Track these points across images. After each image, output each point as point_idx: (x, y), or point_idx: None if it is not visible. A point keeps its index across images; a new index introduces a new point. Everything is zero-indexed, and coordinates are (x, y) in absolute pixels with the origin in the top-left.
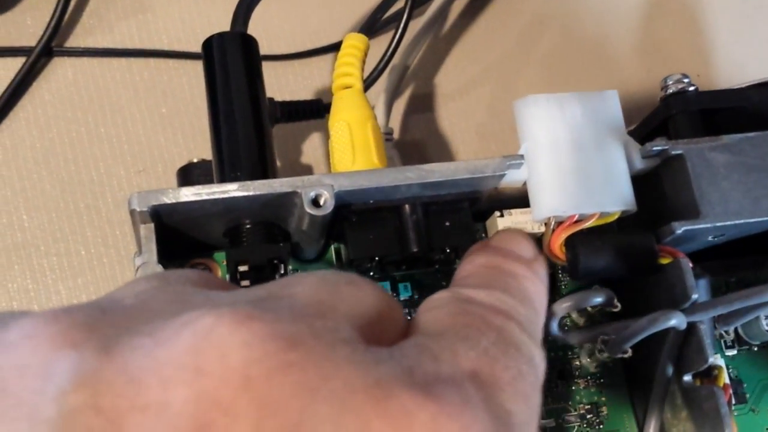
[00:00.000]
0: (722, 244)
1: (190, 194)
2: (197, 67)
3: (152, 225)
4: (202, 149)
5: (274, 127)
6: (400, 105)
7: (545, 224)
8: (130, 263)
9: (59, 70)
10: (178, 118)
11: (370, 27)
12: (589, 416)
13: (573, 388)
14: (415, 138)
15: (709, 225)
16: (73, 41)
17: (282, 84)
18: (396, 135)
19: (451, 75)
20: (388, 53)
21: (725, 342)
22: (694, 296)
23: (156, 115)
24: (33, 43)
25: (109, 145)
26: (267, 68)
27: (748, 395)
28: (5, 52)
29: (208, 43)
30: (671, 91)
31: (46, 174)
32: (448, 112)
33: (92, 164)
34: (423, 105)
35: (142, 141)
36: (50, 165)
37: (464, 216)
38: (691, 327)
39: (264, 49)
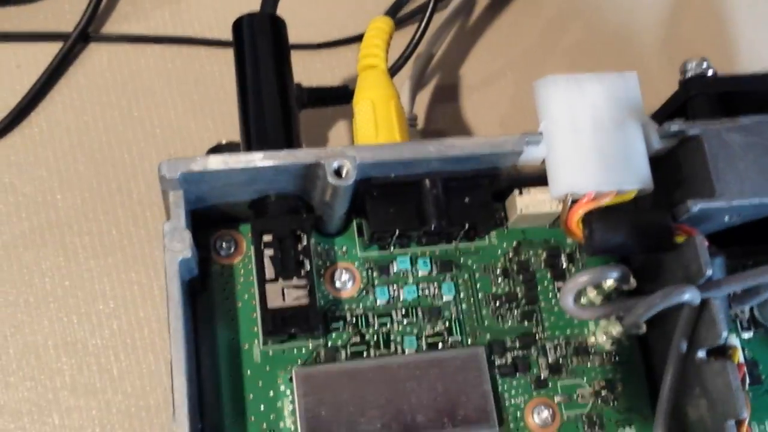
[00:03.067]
0: (739, 230)
1: (217, 162)
2: (228, 55)
3: (181, 192)
4: (232, 134)
5: (301, 112)
6: (424, 95)
7: (563, 201)
8: (160, 243)
9: (95, 56)
10: (209, 104)
11: (396, 11)
12: (603, 393)
13: (588, 365)
14: (439, 128)
15: (724, 204)
16: (109, 28)
17: (310, 73)
18: (420, 125)
19: (475, 66)
20: (414, 41)
21: (741, 324)
22: (709, 272)
23: (187, 101)
24: (70, 29)
25: (142, 128)
26: (295, 57)
27: (763, 377)
28: (43, 38)
29: (238, 23)
30: (690, 74)
31: (80, 155)
32: (472, 103)
33: (125, 147)
34: (447, 96)
35: (174, 126)
36: (84, 147)
37: (483, 193)
38: (706, 303)
39: (292, 39)
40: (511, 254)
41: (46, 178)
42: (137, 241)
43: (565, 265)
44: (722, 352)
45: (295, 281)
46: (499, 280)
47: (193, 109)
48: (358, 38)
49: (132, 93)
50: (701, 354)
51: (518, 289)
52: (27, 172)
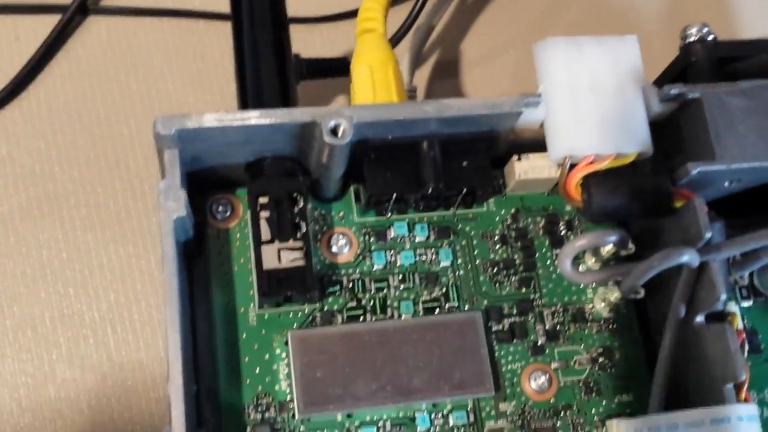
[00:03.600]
0: (740, 201)
1: (212, 120)
2: (227, 28)
3: (176, 150)
4: (231, 108)
5: (299, 83)
6: (425, 70)
7: (561, 165)
8: (157, 217)
9: (93, 28)
10: (207, 77)
11: None
12: (600, 359)
13: (585, 332)
14: None
15: (724, 167)
16: (108, 0)
17: (309, 46)
18: (420, 98)
19: (476, 42)
20: (414, 13)
21: (740, 292)
22: (707, 235)
23: (186, 74)
24: (69, 1)
25: (140, 101)
26: (294, 31)
27: (762, 346)
28: (42, 10)
29: None
30: (691, 39)
31: (78, 128)
32: (472, 78)
33: (123, 120)
34: (447, 70)
35: (172, 99)
36: (82, 119)
37: (482, 158)
38: (704, 266)
39: (291, 12)
40: (509, 221)
41: (44, 150)
42: (135, 215)
43: (563, 232)
44: (721, 318)
45: (291, 243)
46: (497, 246)
47: (191, 82)
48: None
49: (131, 66)
50: (700, 318)
51: (516, 255)
52: (25, 144)
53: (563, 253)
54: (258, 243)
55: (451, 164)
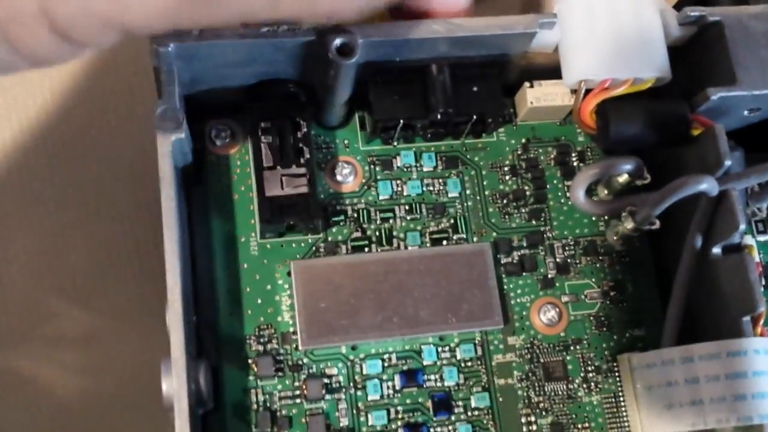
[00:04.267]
0: (759, 133)
1: (211, 35)
2: None
3: (174, 69)
4: None
5: None
6: None
7: (576, 90)
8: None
9: None
10: None
11: None
12: (612, 293)
13: (597, 265)
14: None
15: (745, 93)
16: None
17: None
18: None
19: None
20: None
21: (757, 226)
22: (727, 163)
23: None
24: None
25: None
26: None
27: None
28: None
29: None
30: None
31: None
32: (485, 7)
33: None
34: None
35: None
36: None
37: (492, 83)
38: (723, 195)
39: None
40: (519, 151)
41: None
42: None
43: (575, 164)
44: (738, 249)
45: (294, 169)
46: (507, 177)
47: None
48: None
49: None
50: (717, 250)
51: (526, 187)
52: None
53: (576, 182)
54: (260, 169)
55: (461, 89)
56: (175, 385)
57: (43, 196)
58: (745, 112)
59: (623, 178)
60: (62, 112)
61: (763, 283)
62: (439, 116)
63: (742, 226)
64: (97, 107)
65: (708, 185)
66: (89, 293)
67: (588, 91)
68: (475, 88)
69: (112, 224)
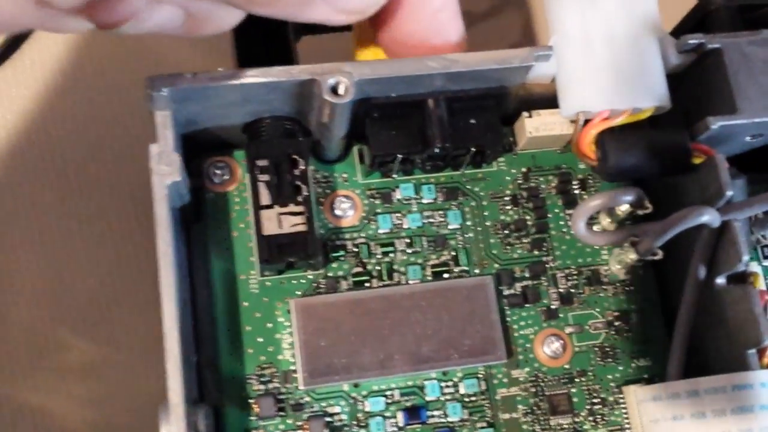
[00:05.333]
0: (763, 155)
1: (205, 79)
2: None
3: (168, 112)
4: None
5: (299, 40)
6: None
7: (574, 121)
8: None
9: None
10: None
11: None
12: (617, 323)
13: (601, 295)
14: None
15: (746, 121)
16: None
17: None
18: None
19: None
20: None
21: (763, 252)
22: (729, 193)
23: None
24: None
25: (135, 59)
26: None
27: None
28: None
29: None
30: None
31: (71, 88)
32: (480, 33)
33: (119, 79)
34: None
35: (169, 57)
36: (77, 79)
37: (490, 115)
38: (725, 226)
39: None
40: (520, 180)
41: (37, 112)
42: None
43: (577, 192)
44: (742, 279)
45: (291, 207)
46: (508, 207)
47: (187, 40)
48: None
49: None
50: (720, 280)
51: (528, 216)
52: (19, 107)
53: (577, 214)
54: (257, 208)
55: (459, 122)
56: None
57: (49, 227)
58: (748, 138)
59: (625, 208)
60: (67, 143)
61: None
62: (437, 150)
63: (746, 257)
64: (101, 136)
65: (709, 217)
66: (95, 324)
67: (587, 122)
68: (472, 121)
69: (117, 255)
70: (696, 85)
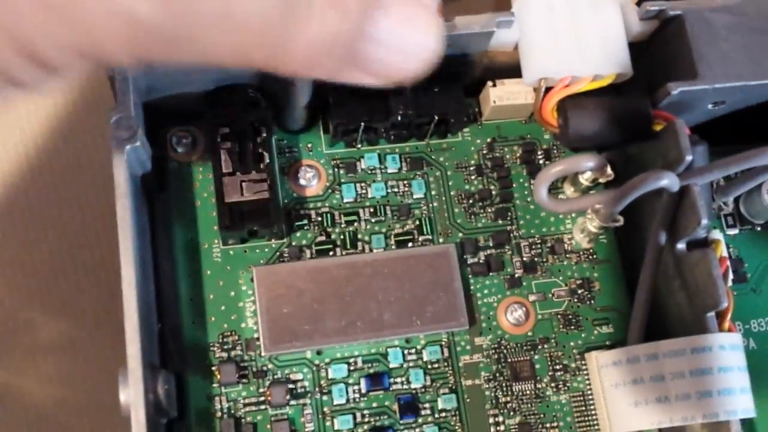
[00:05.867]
0: (726, 126)
1: None
2: None
3: (129, 78)
4: None
5: None
6: None
7: (536, 89)
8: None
9: None
10: None
11: None
12: (580, 291)
13: (564, 263)
14: None
15: (707, 86)
16: None
17: None
18: None
19: None
20: None
21: (726, 220)
22: (688, 158)
23: None
24: None
25: None
26: None
27: (749, 275)
28: None
29: None
30: None
31: None
32: (450, 10)
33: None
34: None
35: None
36: None
37: (454, 83)
38: (685, 191)
39: None
40: (485, 150)
41: None
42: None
43: (541, 162)
44: (704, 244)
45: (254, 175)
46: (473, 177)
47: None
48: None
49: None
50: (681, 245)
51: (492, 186)
52: None
53: (539, 181)
54: (219, 175)
55: (421, 90)
56: (132, 395)
57: (14, 206)
58: (710, 106)
59: (588, 176)
60: (26, 121)
61: (732, 277)
62: (399, 118)
63: (705, 221)
64: (65, 124)
65: (669, 181)
66: (62, 302)
67: (549, 89)
68: (435, 89)
69: (84, 232)
70: (658, 52)
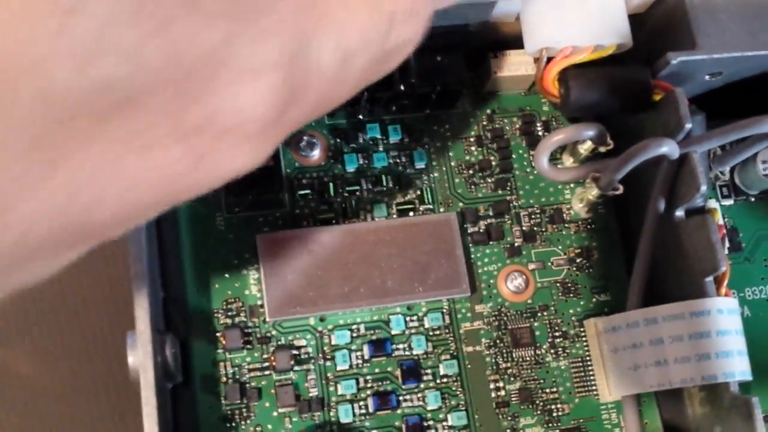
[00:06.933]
0: (722, 99)
1: None
2: None
3: None
4: None
5: None
6: None
7: (538, 58)
8: None
9: None
10: None
11: None
12: (578, 260)
13: (563, 233)
14: None
15: (705, 56)
16: None
17: None
18: None
19: None
20: None
21: (721, 191)
22: (688, 125)
23: None
24: None
25: None
26: None
27: (743, 244)
28: None
29: None
30: None
31: None
32: None
33: None
34: None
35: None
36: None
37: (456, 54)
38: (685, 158)
39: None
40: (485, 122)
41: None
42: None
43: (540, 133)
44: (701, 213)
45: None
46: (473, 148)
47: None
48: None
49: None
50: (680, 212)
51: (492, 157)
52: None
53: (540, 149)
54: None
55: (424, 60)
56: (140, 357)
57: None
58: (707, 77)
59: (587, 146)
60: None
61: (728, 246)
62: (402, 87)
63: (704, 188)
64: None
65: (668, 148)
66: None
67: (550, 59)
68: (438, 59)
69: None
70: (657, 23)
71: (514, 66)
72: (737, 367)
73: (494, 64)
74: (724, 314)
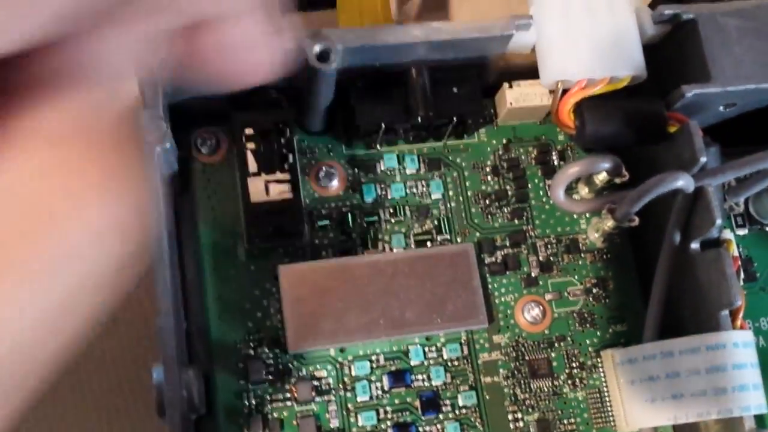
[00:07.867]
0: (736, 128)
1: None
2: None
3: (157, 80)
4: None
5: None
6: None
7: (553, 90)
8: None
9: None
10: None
11: None
12: (594, 290)
13: (579, 263)
14: None
15: (719, 89)
16: None
17: None
18: None
19: None
20: None
21: (736, 221)
22: (702, 159)
23: None
24: None
25: None
26: None
27: (758, 274)
28: None
29: None
30: None
31: None
32: (463, 11)
33: None
34: (436, 2)
35: None
36: None
37: (472, 85)
38: (699, 192)
39: None
40: (501, 151)
41: None
42: None
43: (556, 162)
44: (716, 244)
45: (278, 175)
46: (489, 177)
47: None
48: None
49: None
50: (695, 245)
51: (508, 186)
52: None
53: (556, 181)
54: (244, 176)
55: (441, 92)
56: (166, 393)
57: None
58: (721, 108)
59: (603, 176)
60: None
61: (743, 276)
62: (420, 119)
63: (719, 221)
64: None
65: (684, 182)
66: None
67: (565, 91)
68: (454, 90)
69: None
70: (672, 55)
71: (530, 96)
72: (753, 401)
73: (510, 95)
74: (739, 347)
